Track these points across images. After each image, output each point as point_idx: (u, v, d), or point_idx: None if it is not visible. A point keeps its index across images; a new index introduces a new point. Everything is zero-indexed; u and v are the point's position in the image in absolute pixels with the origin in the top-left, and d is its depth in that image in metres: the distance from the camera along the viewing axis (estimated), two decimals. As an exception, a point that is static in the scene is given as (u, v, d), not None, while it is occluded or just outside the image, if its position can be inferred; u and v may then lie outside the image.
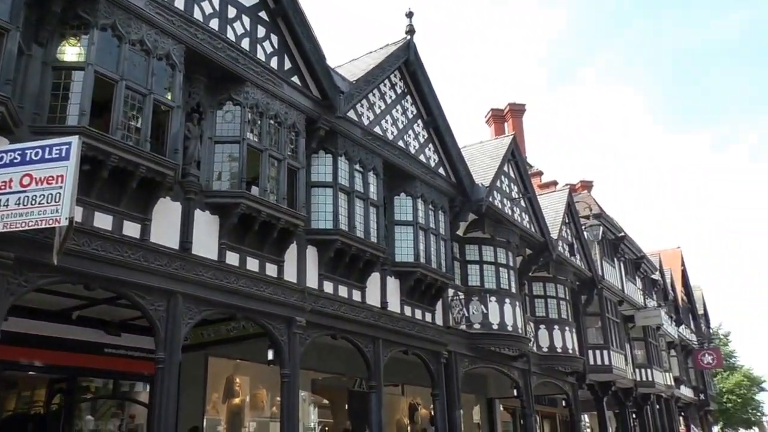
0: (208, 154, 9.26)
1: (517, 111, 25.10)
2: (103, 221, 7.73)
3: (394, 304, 12.40)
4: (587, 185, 28.55)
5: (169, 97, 8.48)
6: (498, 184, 15.93)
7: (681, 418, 35.42)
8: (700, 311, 43.36)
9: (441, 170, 14.15)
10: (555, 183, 22.94)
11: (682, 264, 38.85)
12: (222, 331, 10.92)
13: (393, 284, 12.56)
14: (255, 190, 9.65)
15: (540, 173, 24.37)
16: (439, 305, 13.76)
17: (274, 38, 10.39)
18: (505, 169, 16.66)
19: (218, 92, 9.52)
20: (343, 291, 11.23)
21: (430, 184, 13.58)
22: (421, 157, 13.56)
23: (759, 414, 67.03)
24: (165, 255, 8.34)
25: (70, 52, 7.77)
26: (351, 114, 11.68)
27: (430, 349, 13.25)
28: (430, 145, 14.01)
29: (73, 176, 6.36)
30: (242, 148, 9.41)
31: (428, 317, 13.35)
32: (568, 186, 20.84)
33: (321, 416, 16.76)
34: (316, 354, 12.68)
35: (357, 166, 11.71)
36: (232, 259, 9.29)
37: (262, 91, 9.89)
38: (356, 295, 11.51)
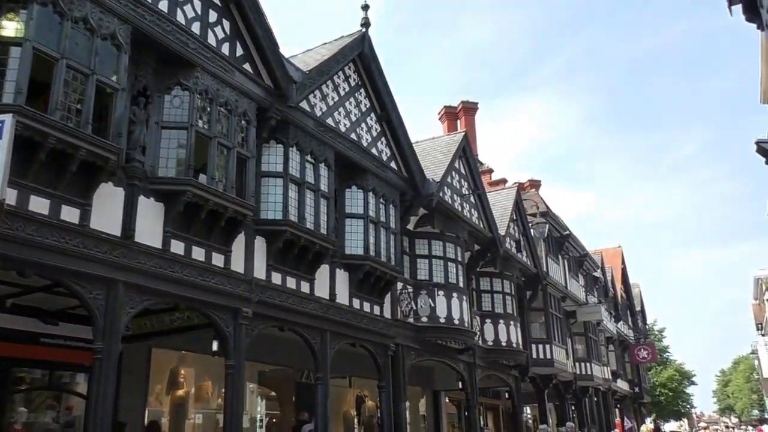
0: (154, 139, 8.83)
1: (469, 109, 25.08)
2: (39, 205, 7.26)
3: (342, 297, 12.16)
4: (535, 184, 28.79)
5: (114, 79, 8.02)
6: (449, 179, 15.83)
7: (617, 410, 36.19)
8: (638, 308, 44.44)
9: (393, 164, 13.95)
10: (504, 181, 23.03)
11: (623, 262, 39.72)
12: (166, 321, 10.49)
13: (342, 277, 12.31)
14: (203, 179, 9.27)
15: (490, 171, 24.43)
16: (387, 298, 13.56)
17: (226, 24, 9.98)
18: (456, 165, 16.56)
19: (166, 76, 9.08)
20: (291, 282, 10.92)
21: (382, 177, 13.36)
22: (374, 151, 13.32)
23: (688, 406, 69.33)
24: (106, 242, 7.91)
25: (8, 26, 7.25)
26: (303, 104, 11.36)
27: (378, 341, 13.06)
28: (383, 139, 13.79)
29: (6, 156, 5.93)
30: (190, 135, 9.00)
31: (377, 310, 13.15)
32: (517, 184, 20.90)
33: (268, 408, 16.45)
34: (264, 345, 12.31)
35: (308, 158, 11.39)
36: (177, 247, 8.89)
37: (213, 78, 9.50)
38: (305, 287, 11.22)
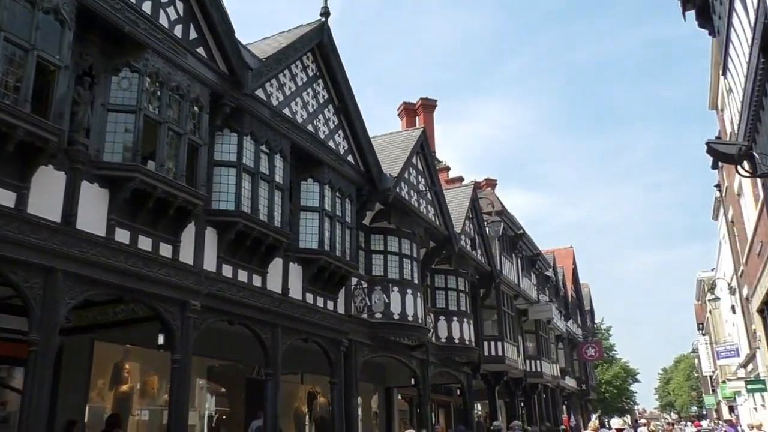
0: (100, 122, 8.31)
1: (428, 106, 24.91)
2: (-30, 187, 6.72)
3: (295, 291, 11.78)
4: (491, 183, 28.84)
5: (57, 57, 7.48)
6: (406, 175, 15.58)
7: (564, 407, 36.61)
8: (587, 307, 45.08)
9: (350, 158, 13.62)
10: (461, 179, 22.93)
11: (573, 263, 40.18)
12: (109, 313, 9.93)
13: (296, 271, 11.92)
14: (151, 165, 8.79)
15: (447, 168, 24.31)
16: (341, 293, 13.23)
17: (180, 5, 9.50)
18: (414, 161, 16.33)
19: (115, 57, 8.56)
20: (242, 275, 10.49)
21: (339, 171, 13.02)
22: (331, 143, 12.97)
23: (631, 403, 70.93)
24: (45, 228, 7.38)
25: (-61, -4, 6.69)
26: (259, 93, 10.94)
27: (331, 337, 12.72)
28: (340, 132, 13.45)
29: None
30: (138, 119, 8.51)
31: (330, 305, 12.80)
32: (474, 183, 20.80)
33: (218, 404, 15.96)
34: (213, 340, 11.84)
35: (263, 148, 10.97)
36: (122, 236, 8.40)
37: (164, 60, 9.01)
38: (256, 280, 10.81)
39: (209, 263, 9.83)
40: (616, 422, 19.01)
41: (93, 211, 8.04)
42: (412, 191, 15.81)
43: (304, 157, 12.22)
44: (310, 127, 12.30)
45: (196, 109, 9.60)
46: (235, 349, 12.49)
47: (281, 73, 11.65)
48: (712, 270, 39.52)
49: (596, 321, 53.33)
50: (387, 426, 19.51)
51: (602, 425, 18.43)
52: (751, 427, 16.78)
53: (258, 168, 10.72)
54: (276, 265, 11.32)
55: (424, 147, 16.78)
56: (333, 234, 12.52)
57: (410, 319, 14.74)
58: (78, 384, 10.55)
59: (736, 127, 15.82)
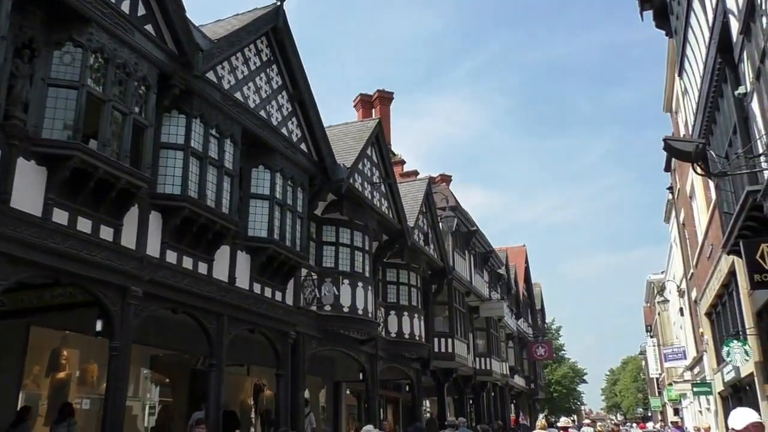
0: (39, 97, 8.04)
1: (385, 98, 24.91)
2: None
3: (243, 280, 11.65)
4: (446, 179, 29.01)
5: (-6, 26, 7.23)
6: (360, 166, 15.56)
7: (512, 405, 37.18)
8: (538, 306, 45.83)
9: (303, 146, 13.53)
10: (416, 173, 23.03)
11: (526, 261, 40.79)
12: (46, 297, 9.69)
13: (244, 259, 11.80)
14: (94, 144, 8.56)
15: (402, 162, 24.38)
16: (290, 284, 13.15)
17: (128, -22, 9.27)
18: (368, 152, 16.32)
19: (57, 30, 8.29)
20: (187, 262, 10.32)
21: (291, 159, 12.92)
22: (284, 131, 12.86)
23: (579, 403, 72.48)
24: (-25, 206, 7.13)
25: None
26: (210, 75, 10.76)
27: (278, 328, 12.63)
28: (294, 120, 13.34)
29: None
30: (81, 96, 8.27)
31: (278, 296, 12.71)
32: (428, 177, 20.90)
33: (162, 395, 15.71)
34: (156, 328, 11.65)
35: (213, 132, 10.81)
36: (60, 217, 8.16)
37: (110, 36, 8.78)
38: (202, 268, 10.65)
39: (153, 248, 9.64)
40: (563, 421, 19.45)
41: (29, 190, 7.80)
42: (365, 183, 15.81)
43: (256, 143, 12.09)
44: (262, 113, 12.17)
45: (143, 88, 9.40)
46: (180, 339, 12.29)
47: (233, 56, 11.49)
48: (662, 273, 40.65)
49: (547, 321, 54.33)
50: (334, 421, 19.48)
51: (550, 425, 18.66)
52: (698, 430, 17.27)
53: (207, 152, 10.56)
54: (223, 253, 11.18)
55: (379, 138, 16.80)
56: (283, 223, 12.42)
57: (360, 312, 14.74)
58: (11, 369, 10.25)
59: (690, 129, 16.29)
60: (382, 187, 16.82)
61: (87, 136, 8.60)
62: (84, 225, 8.49)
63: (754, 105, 9.81)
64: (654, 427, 35.08)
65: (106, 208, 8.79)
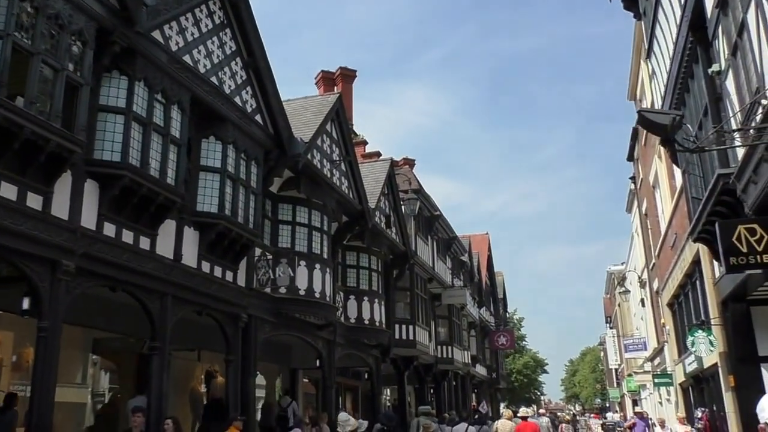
0: (-45, 46, 7.24)
1: (348, 76, 24.23)
2: None
3: (190, 258, 10.95)
4: (410, 163, 28.46)
5: None
6: (319, 142, 14.91)
7: (474, 395, 37.04)
8: (500, 295, 45.79)
9: (258, 118, 12.83)
10: (378, 154, 22.44)
11: (489, 249, 40.60)
12: (-34, 272, 8.85)
13: (191, 236, 11.09)
14: (20, 103, 7.78)
15: (364, 143, 23.76)
16: (243, 264, 12.48)
17: None
18: (328, 128, 15.67)
19: (-22, -28, 7.49)
20: (127, 236, 9.58)
21: (245, 130, 12.22)
22: (237, 100, 12.13)
23: (539, 393, 73.16)
24: None
25: None
26: (156, 35, 9.99)
27: (228, 311, 11.97)
28: (248, 89, 12.62)
29: None
30: (5, 47, 7.47)
31: (229, 276, 12.04)
32: (391, 158, 20.33)
33: (113, 382, 15.04)
34: (97, 309, 10.92)
35: (159, 97, 10.05)
36: (-21, 181, 7.39)
37: (41, -17, 7.98)
38: (144, 243, 9.92)
39: (88, 220, 8.89)
40: (523, 411, 19.39)
41: (-58, 149, 7.01)
42: (324, 160, 15.17)
43: (207, 112, 11.37)
44: (213, 79, 11.43)
45: (78, 44, 8.61)
46: (124, 321, 11.45)
47: (183, 15, 10.72)
48: (622, 264, 40.90)
49: (509, 311, 54.46)
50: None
51: (514, 414, 18.59)
52: (662, 421, 17.41)
53: (151, 118, 9.80)
54: (168, 227, 10.46)
55: (339, 114, 16.15)
56: (235, 198, 11.74)
57: (317, 295, 14.15)
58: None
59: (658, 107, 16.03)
60: (342, 165, 16.20)
61: (13, 94, 7.82)
62: (8, 191, 7.72)
63: (729, 83, 9.45)
64: (613, 418, 35.20)
65: (34, 173, 8.01)
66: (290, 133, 13.36)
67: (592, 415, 61.14)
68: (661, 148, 18.77)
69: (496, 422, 17.22)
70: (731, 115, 8.71)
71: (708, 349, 12.88)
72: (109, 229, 9.27)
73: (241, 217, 11.86)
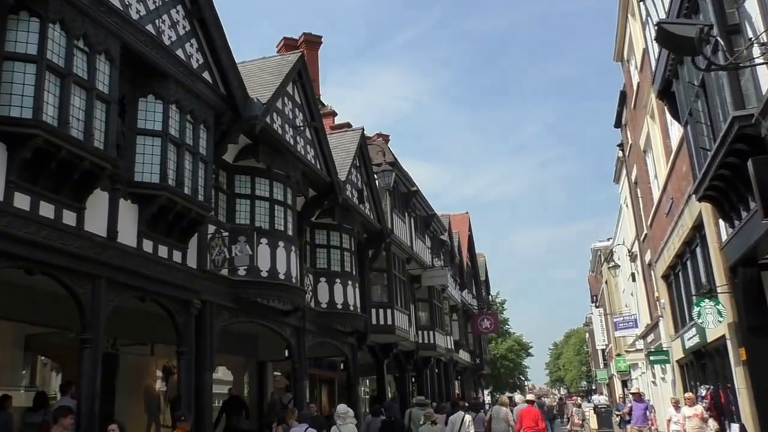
0: None
1: (312, 42, 22.84)
2: None
3: (127, 236, 9.61)
4: (384, 137, 27.20)
5: None
6: (279, 105, 13.58)
7: (457, 382, 36.12)
8: (482, 278, 44.85)
9: (207, 76, 11.46)
10: (348, 125, 21.11)
11: (469, 229, 39.58)
12: None
13: (129, 210, 9.75)
14: None
15: (333, 114, 22.41)
16: (193, 243, 11.16)
17: None
18: (290, 90, 14.33)
19: None
20: (46, 210, 8.22)
21: (191, 89, 10.86)
22: (180, 54, 10.75)
23: (523, 378, 72.78)
24: None
25: None
26: (74, -30, 8.60)
27: (178, 296, 10.67)
28: (194, 42, 11.24)
29: None
30: None
31: (177, 257, 10.72)
32: (362, 128, 19.03)
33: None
34: (25, 300, 9.66)
35: (80, 44, 8.67)
36: None
37: None
38: (69, 218, 8.58)
39: (-6, 189, 7.54)
40: (519, 397, 18.63)
41: None
42: (287, 126, 13.85)
43: (144, 66, 10.00)
44: (150, 28, 10.04)
45: (-29, -26, 7.23)
46: (57, 312, 10.12)
47: (107, -50, 9.31)
48: (609, 239, 40.18)
49: (492, 294, 53.60)
50: (259, 405, 17.66)
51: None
52: (677, 404, 15.22)
53: (70, 68, 8.42)
54: (99, 200, 9.13)
55: (302, 75, 14.80)
56: (181, 167, 10.40)
57: (282, 277, 12.88)
58: None
59: (652, 64, 14.96)
60: (307, 132, 14.89)
61: None
62: None
63: (750, 5, 8.38)
64: (599, 400, 34.29)
65: None
66: (245, 92, 12.03)
67: (578, 398, 60.63)
68: (654, 106, 17.81)
69: (492, 408, 17.01)
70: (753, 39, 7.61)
71: (716, 320, 11.91)
72: (22, 201, 7.90)
73: (188, 188, 10.53)
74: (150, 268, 9.96)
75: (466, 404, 20.10)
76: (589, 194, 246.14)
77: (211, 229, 11.85)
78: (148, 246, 10.03)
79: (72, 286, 8.61)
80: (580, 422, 24.92)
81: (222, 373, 18.83)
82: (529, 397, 17.88)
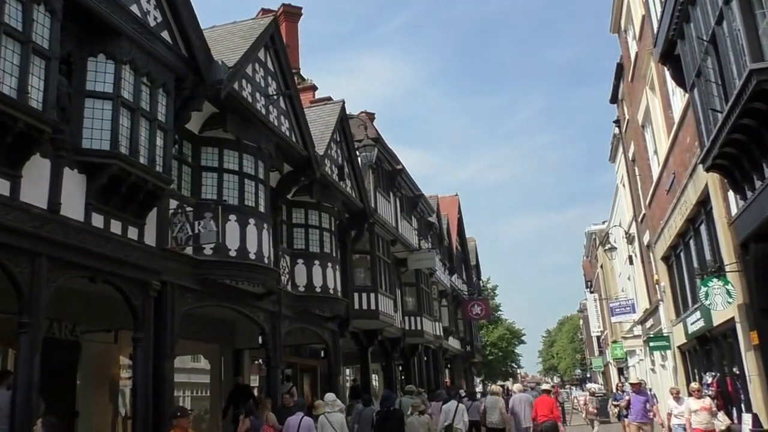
0: None
1: (291, 14, 21.88)
2: None
3: (73, 208, 8.80)
4: (369, 115, 26.34)
5: None
6: (249, 71, 12.74)
7: (447, 371, 35.52)
8: (473, 262, 44.19)
9: (166, 36, 10.60)
10: (329, 99, 20.25)
11: (459, 212, 38.85)
12: None
13: (75, 180, 8.93)
14: None
15: (314, 88, 21.51)
16: (152, 219, 10.35)
17: None
18: (261, 56, 13.47)
19: None
20: (-28, 177, 7.42)
21: (147, 49, 9.99)
22: (134, 9, 9.89)
23: (515, 366, 72.45)
24: None
25: None
26: None
27: (134, 276, 9.87)
28: (150, -3, 10.38)
29: None
30: None
31: (133, 233, 9.91)
32: (342, 100, 18.19)
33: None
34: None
35: (13, -9, 7.83)
36: None
37: None
38: (2, 187, 7.76)
39: None
40: (517, 386, 18.15)
41: None
42: (258, 94, 13.00)
43: (91, 21, 9.14)
44: (97, -22, 9.18)
45: None
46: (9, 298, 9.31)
47: None
48: (604, 222, 39.60)
49: (482, 279, 53.00)
50: (235, 395, 16.90)
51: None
52: (678, 394, 14.12)
53: (0, 18, 7.58)
54: (38, 168, 8.31)
55: (276, 40, 13.92)
56: (135, 133, 9.57)
57: (252, 257, 12.10)
58: None
59: (655, 26, 14.23)
60: (282, 102, 14.04)
61: None
62: None
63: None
64: (591, 389, 33.72)
65: None
66: (208, 54, 11.17)
67: (574, 387, 60.30)
68: (654, 76, 17.09)
69: (485, 398, 16.88)
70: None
71: (725, 301, 11.19)
72: (-58, 166, 7.10)
73: (144, 158, 9.70)
74: (100, 245, 9.15)
75: (462, 393, 19.52)
76: (582, 180, 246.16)
77: (174, 204, 11.05)
78: (98, 221, 9.22)
79: (7, 264, 7.80)
80: (595, 410, 24.31)
81: (204, 362, 18.16)
82: (545, 386, 17.63)
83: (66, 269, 8.63)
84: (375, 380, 26.20)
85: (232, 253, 11.80)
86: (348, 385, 23.82)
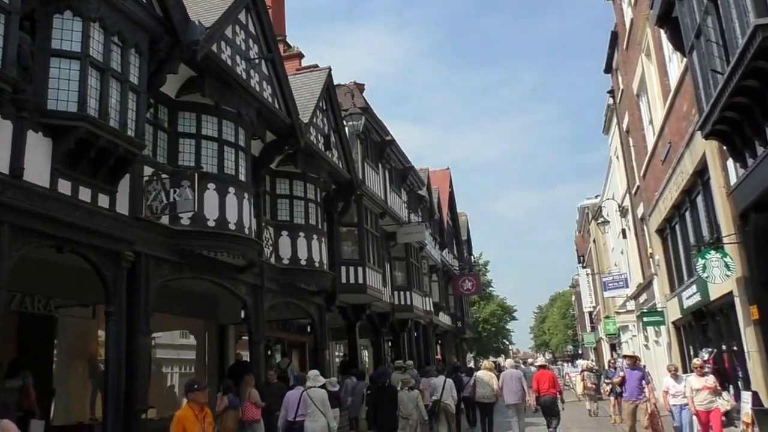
0: None
1: (278, -20, 21.28)
2: None
3: (38, 174, 8.38)
4: (359, 86, 25.80)
5: None
6: (229, 33, 12.25)
7: (438, 346, 35.39)
8: (464, 237, 43.92)
9: (138, -8, 10.10)
10: (315, 66, 19.71)
11: (450, 186, 38.45)
12: None
13: (40, 143, 8.50)
14: None
15: (300, 56, 20.95)
16: (124, 187, 9.94)
17: None
18: (242, 18, 12.97)
19: None
20: (-75, 137, 6.98)
21: (117, 6, 9.49)
22: (102, -38, 9.38)
23: (507, 342, 72.68)
24: None
25: None
26: None
27: (105, 246, 9.48)
28: (119, -51, 9.86)
29: None
30: None
31: (104, 201, 9.50)
32: (329, 67, 17.68)
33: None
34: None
35: (-33, -63, 7.33)
36: None
37: None
38: (-43, 149, 7.35)
39: None
40: (509, 362, 18.05)
41: None
42: (238, 57, 12.53)
43: (57, -25, 8.66)
44: (61, -74, 8.67)
45: None
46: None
47: None
48: (596, 197, 39.29)
49: (474, 254, 52.78)
50: (220, 371, 16.61)
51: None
52: (675, 371, 13.07)
53: (-48, -35, 7.10)
54: (0, 130, 7.87)
55: (257, 2, 13.40)
56: (105, 95, 9.11)
57: (232, 227, 11.71)
58: None
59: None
60: (264, 66, 13.57)
61: None
62: None
63: None
64: (583, 365, 33.52)
65: None
66: (184, 14, 10.67)
67: (567, 363, 60.39)
68: (650, 42, 16.68)
69: (476, 372, 17.27)
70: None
71: (723, 273, 10.88)
72: None
73: (115, 121, 9.26)
74: (67, 213, 8.74)
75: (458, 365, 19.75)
76: (574, 156, 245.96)
77: (148, 171, 10.63)
78: (65, 187, 8.80)
79: (-35, 231, 7.40)
80: (593, 386, 24.17)
81: (193, 339, 17.84)
82: (540, 361, 18.77)
83: (29, 238, 8.23)
84: (365, 356, 26.02)
85: (211, 223, 11.41)
86: (337, 360, 23.59)
